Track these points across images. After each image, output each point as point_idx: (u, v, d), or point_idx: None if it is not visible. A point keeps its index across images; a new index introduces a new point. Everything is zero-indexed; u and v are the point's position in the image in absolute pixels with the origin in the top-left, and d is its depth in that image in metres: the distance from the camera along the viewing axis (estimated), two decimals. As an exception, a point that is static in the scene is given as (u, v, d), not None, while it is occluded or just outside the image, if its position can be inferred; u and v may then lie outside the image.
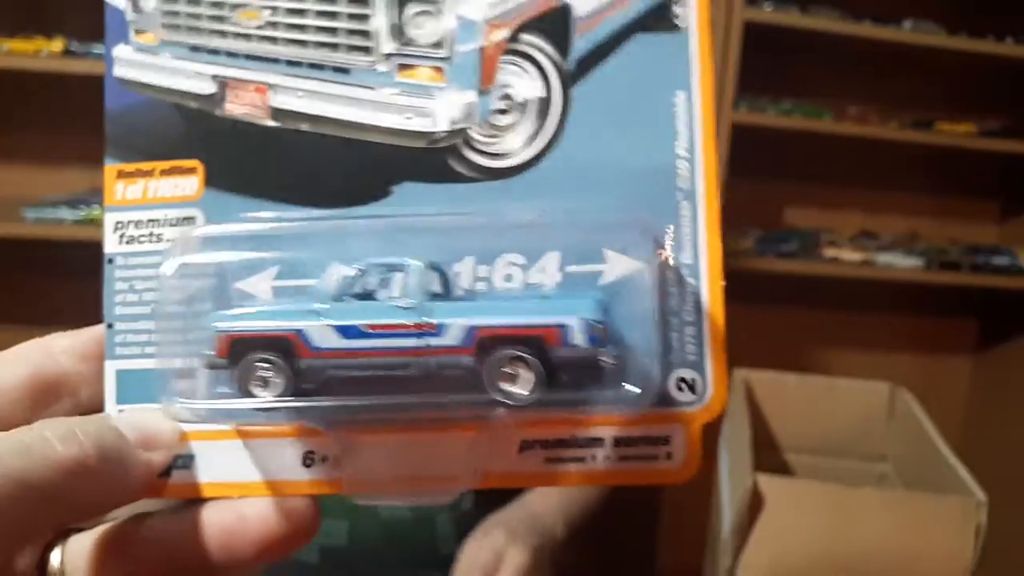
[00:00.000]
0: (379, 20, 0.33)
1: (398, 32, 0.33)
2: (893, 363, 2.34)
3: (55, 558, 0.30)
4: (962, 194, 2.30)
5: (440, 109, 0.33)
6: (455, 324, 0.29)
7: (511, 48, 0.33)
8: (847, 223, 2.25)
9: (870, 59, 2.09)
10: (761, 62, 1.85)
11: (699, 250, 0.31)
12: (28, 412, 0.31)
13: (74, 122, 1.92)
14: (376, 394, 0.30)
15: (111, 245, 0.33)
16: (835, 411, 1.37)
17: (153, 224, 0.33)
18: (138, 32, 0.35)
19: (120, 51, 0.35)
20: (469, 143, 0.32)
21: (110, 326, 0.32)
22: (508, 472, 0.31)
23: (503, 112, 0.33)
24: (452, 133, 0.32)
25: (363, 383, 0.30)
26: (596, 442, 0.31)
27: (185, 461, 0.32)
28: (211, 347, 0.30)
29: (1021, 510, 2.02)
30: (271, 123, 0.34)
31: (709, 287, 0.31)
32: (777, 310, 2.26)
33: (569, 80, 0.33)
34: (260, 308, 0.31)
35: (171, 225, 0.33)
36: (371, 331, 0.29)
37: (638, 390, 0.30)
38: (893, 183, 2.26)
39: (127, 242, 0.33)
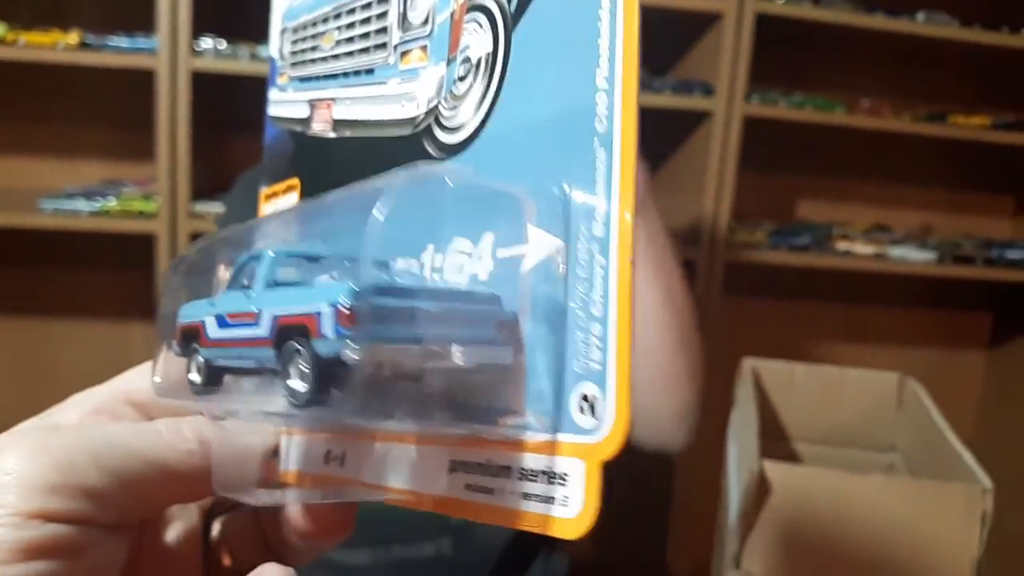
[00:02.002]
0: (392, 12, 0.34)
1: (402, 19, 0.33)
2: (906, 357, 2.34)
3: (215, 530, 0.37)
4: (976, 187, 2.29)
5: (420, 90, 0.31)
6: (266, 313, 0.26)
7: (471, 3, 0.29)
8: (860, 216, 2.24)
9: (883, 51, 2.08)
10: (773, 55, 1.85)
11: (610, 213, 0.24)
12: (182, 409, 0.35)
13: (90, 114, 1.95)
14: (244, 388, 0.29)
15: None
16: (844, 401, 1.36)
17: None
18: (280, 75, 0.40)
19: (271, 93, 0.40)
20: (438, 120, 0.30)
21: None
22: (436, 496, 0.28)
23: (462, 79, 0.29)
24: (428, 113, 0.30)
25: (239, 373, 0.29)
26: (504, 471, 0.25)
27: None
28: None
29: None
30: (332, 134, 0.36)
31: (619, 268, 0.23)
32: (790, 303, 2.26)
33: (511, 24, 0.28)
34: (196, 303, 0.32)
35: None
36: (231, 320, 0.28)
37: (518, 422, 0.24)
38: (906, 176, 2.25)
39: None
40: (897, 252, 2.01)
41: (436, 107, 0.30)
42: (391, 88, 0.33)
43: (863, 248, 2.01)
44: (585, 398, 0.24)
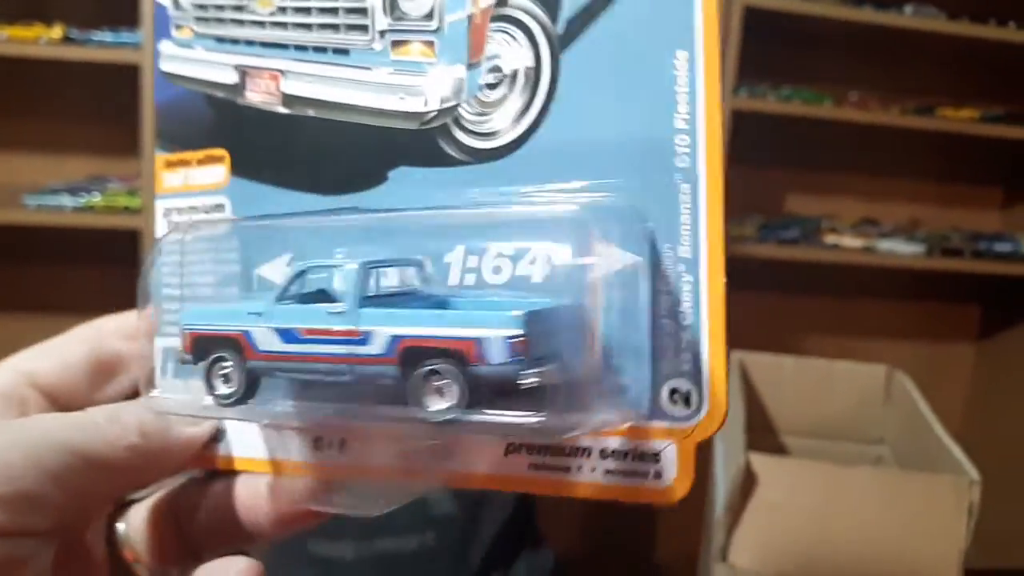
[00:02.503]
0: None
1: (391, 6, 0.32)
2: (895, 350, 2.34)
3: (121, 528, 0.35)
4: (964, 180, 2.29)
5: (431, 87, 0.31)
6: (380, 333, 0.27)
7: (499, 14, 0.30)
8: (848, 210, 2.24)
9: (871, 45, 2.08)
10: (761, 48, 1.85)
11: (699, 241, 0.27)
12: (89, 389, 0.34)
13: (74, 109, 1.93)
14: (321, 397, 0.30)
15: (161, 231, 0.35)
16: (832, 394, 1.36)
17: (193, 211, 0.35)
18: (178, 27, 0.37)
19: (164, 46, 0.36)
20: (459, 122, 0.31)
21: (156, 306, 0.34)
22: (491, 475, 0.30)
23: (492, 86, 0.30)
24: (442, 112, 0.31)
25: (310, 385, 0.30)
26: (582, 452, 0.29)
27: (221, 435, 0.34)
28: (180, 343, 0.32)
29: (1022, 493, 2.02)
30: (283, 110, 0.34)
31: (709, 285, 0.27)
32: (778, 297, 2.25)
33: (558, 45, 0.29)
34: (221, 306, 0.32)
35: (205, 211, 0.34)
36: (306, 336, 0.28)
37: (612, 418, 0.27)
38: (895, 169, 2.25)
39: (173, 228, 0.35)
40: (885, 245, 2.01)
41: (453, 108, 0.30)
42: (380, 76, 0.32)
43: (852, 241, 2.01)
44: (675, 391, 0.27)
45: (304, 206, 0.33)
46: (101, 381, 0.34)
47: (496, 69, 0.30)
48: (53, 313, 2.04)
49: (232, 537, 0.33)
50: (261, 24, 0.35)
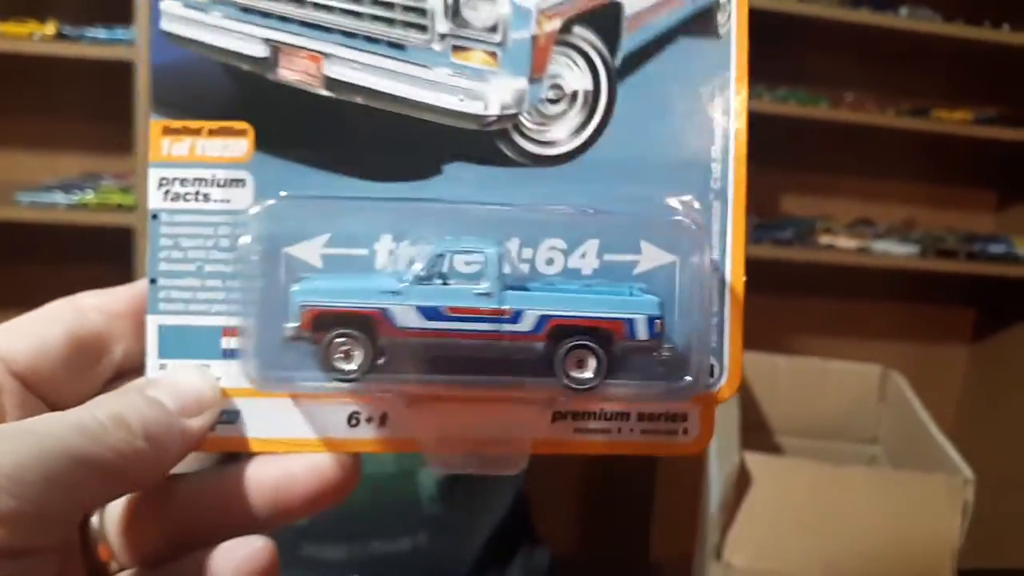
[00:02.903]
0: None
1: (454, 13, 0.34)
2: (889, 351, 2.34)
3: (95, 521, 0.32)
4: (959, 182, 2.29)
5: (492, 93, 0.33)
6: (529, 312, 0.31)
7: (563, 39, 0.34)
8: (843, 210, 2.25)
9: (867, 46, 2.09)
10: (757, 49, 1.83)
11: (726, 247, 0.34)
12: (69, 373, 0.32)
13: (67, 106, 1.92)
14: (447, 370, 0.31)
15: (155, 201, 0.33)
16: (826, 393, 1.36)
17: (200, 183, 0.33)
18: None
19: (168, 5, 0.34)
20: (518, 129, 0.33)
21: (153, 281, 0.33)
22: (543, 439, 0.34)
23: (553, 102, 0.34)
24: (502, 118, 0.33)
25: (436, 359, 0.31)
26: (622, 416, 0.34)
27: (230, 416, 0.33)
28: (295, 320, 0.31)
29: (1015, 494, 2.02)
30: (324, 92, 0.34)
31: (732, 281, 0.34)
32: (773, 297, 2.25)
33: (615, 76, 0.34)
34: (341, 284, 0.31)
35: (219, 186, 0.33)
36: (452, 314, 0.31)
37: (691, 379, 0.32)
38: (889, 171, 2.25)
39: (172, 199, 0.33)
40: (880, 246, 2.01)
41: (514, 116, 0.33)
42: (439, 76, 0.34)
43: (846, 242, 2.01)
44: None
45: (345, 190, 0.33)
46: (81, 365, 0.32)
47: (557, 87, 0.34)
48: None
49: (230, 528, 0.32)
50: (300, 2, 0.35)
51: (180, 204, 0.33)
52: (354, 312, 0.31)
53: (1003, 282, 2.11)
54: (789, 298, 2.28)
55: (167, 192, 0.33)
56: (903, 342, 2.37)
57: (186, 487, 0.32)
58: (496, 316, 0.31)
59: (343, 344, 0.31)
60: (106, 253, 1.82)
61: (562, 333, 0.31)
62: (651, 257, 0.33)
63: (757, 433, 1.33)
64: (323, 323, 0.31)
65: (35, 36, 1.63)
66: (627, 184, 0.33)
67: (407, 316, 0.31)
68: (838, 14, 1.86)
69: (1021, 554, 2.16)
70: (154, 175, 0.33)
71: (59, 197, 1.69)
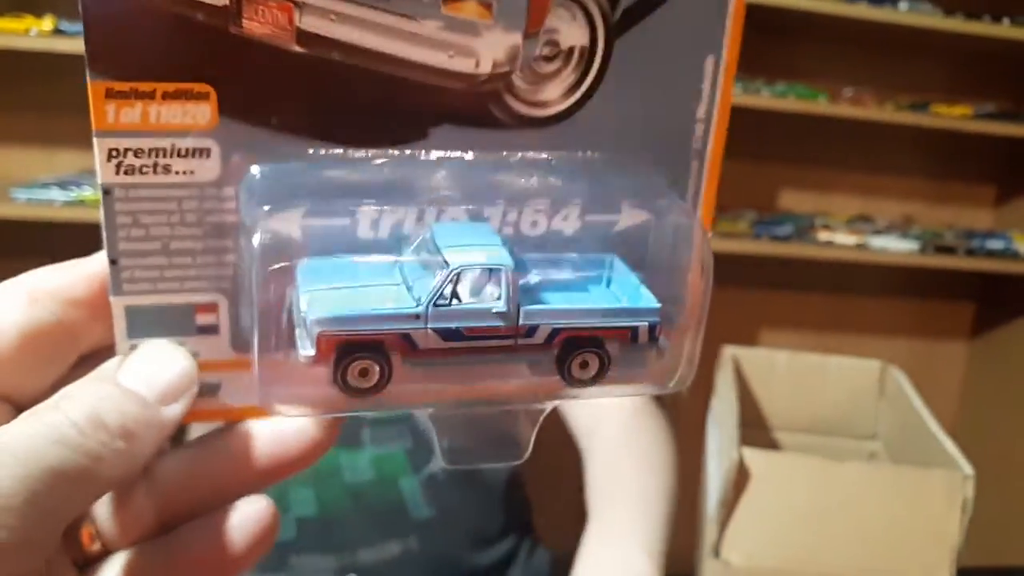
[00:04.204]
0: None
1: None
2: (889, 347, 2.34)
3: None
4: (958, 178, 2.29)
5: (484, 50, 0.30)
6: (543, 327, 0.31)
7: None
8: (842, 206, 2.24)
9: (865, 41, 2.08)
10: (755, 44, 1.83)
11: (698, 202, 0.34)
12: (27, 369, 0.29)
13: (64, 102, 1.91)
14: (460, 374, 0.31)
15: (107, 175, 0.29)
16: (825, 389, 1.36)
17: (158, 154, 0.29)
18: None
19: None
20: (510, 89, 0.31)
21: (114, 262, 0.29)
22: (524, 388, 0.34)
23: (547, 59, 0.31)
24: (494, 77, 0.30)
25: (447, 366, 0.31)
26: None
27: (211, 389, 0.31)
28: (311, 347, 0.29)
29: (1016, 491, 2.02)
30: (297, 48, 0.29)
31: (701, 235, 0.33)
32: (772, 294, 2.25)
33: (613, 31, 0.31)
34: (358, 308, 0.29)
35: (180, 156, 0.29)
36: (471, 334, 0.30)
37: (680, 374, 0.34)
38: (888, 166, 2.25)
39: (126, 172, 0.29)
40: (879, 242, 2.01)
41: (506, 75, 0.31)
42: (427, 29, 0.30)
43: (845, 238, 2.01)
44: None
45: (324, 157, 0.30)
46: (40, 359, 0.29)
47: (553, 43, 0.31)
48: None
49: (223, 497, 0.31)
50: None
51: (136, 178, 0.29)
52: (375, 340, 0.29)
53: (1002, 278, 2.11)
54: (788, 294, 2.28)
55: (119, 165, 0.29)
56: (903, 338, 2.37)
57: (175, 463, 0.31)
58: (512, 334, 0.31)
59: (360, 365, 0.30)
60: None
61: (572, 344, 0.32)
62: (630, 217, 0.33)
63: (756, 429, 1.33)
64: (342, 351, 0.29)
65: (32, 32, 1.63)
66: (612, 147, 0.33)
67: (427, 339, 0.30)
68: (836, 8, 1.86)
69: (1021, 551, 2.16)
70: (101, 145, 0.28)
71: (56, 194, 1.69)
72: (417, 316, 0.30)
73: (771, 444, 1.34)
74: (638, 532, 0.85)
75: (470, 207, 0.31)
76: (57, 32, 1.64)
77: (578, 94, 0.32)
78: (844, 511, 0.96)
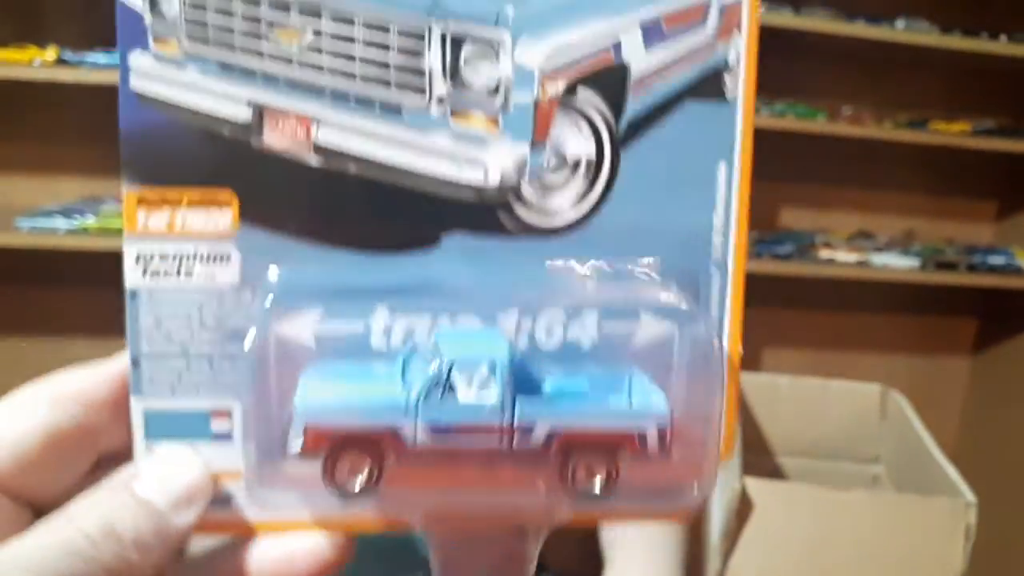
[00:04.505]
0: (434, 58, 0.31)
1: (453, 74, 0.31)
2: (891, 364, 2.34)
3: None
4: (958, 193, 2.29)
5: (492, 161, 0.31)
6: (540, 427, 0.30)
7: (566, 103, 0.32)
8: (843, 224, 2.25)
9: (863, 59, 2.09)
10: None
11: (724, 317, 0.32)
12: (48, 470, 0.30)
13: (68, 131, 1.93)
14: (453, 478, 0.30)
15: (133, 279, 0.30)
16: (827, 414, 1.36)
17: (182, 259, 0.30)
18: (158, 40, 0.31)
19: (138, 60, 0.31)
20: (519, 198, 0.31)
21: (135, 363, 0.30)
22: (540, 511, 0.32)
23: (554, 169, 0.32)
24: (502, 187, 0.31)
25: (441, 469, 0.30)
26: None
27: (223, 500, 0.31)
28: (299, 438, 0.29)
29: (1019, 511, 2.02)
30: (314, 161, 0.31)
31: (731, 352, 0.32)
32: (773, 312, 2.25)
33: (619, 142, 0.32)
34: (346, 394, 0.29)
35: (202, 261, 0.30)
36: (462, 432, 0.29)
37: (697, 490, 0.31)
38: (888, 183, 2.25)
39: (152, 276, 0.30)
40: (880, 259, 2.01)
41: (515, 185, 0.31)
42: (438, 142, 0.31)
43: (846, 256, 2.01)
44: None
45: (338, 263, 0.31)
46: (61, 461, 0.30)
47: (559, 154, 0.32)
48: (48, 337, 2.04)
49: None
50: (286, 60, 0.32)
51: (160, 282, 0.30)
52: (363, 435, 0.29)
53: (1004, 293, 2.11)
54: (789, 312, 2.28)
55: (145, 269, 0.30)
56: (904, 355, 2.37)
57: (193, 570, 0.31)
58: (507, 433, 0.29)
59: (350, 460, 0.29)
60: (107, 278, 1.82)
61: (572, 447, 0.30)
62: (651, 328, 0.31)
63: (758, 454, 1.33)
64: (332, 445, 0.29)
65: (35, 62, 1.64)
66: (627, 256, 0.32)
67: (417, 434, 0.29)
68: (834, 27, 1.86)
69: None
70: (130, 251, 0.30)
71: (59, 222, 1.70)
72: (408, 409, 0.29)
73: (773, 469, 1.34)
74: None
75: (483, 314, 0.31)
76: (60, 62, 1.66)
77: (588, 204, 0.32)
78: (848, 540, 0.96)
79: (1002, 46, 1.91)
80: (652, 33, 0.32)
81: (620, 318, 0.31)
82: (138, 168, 0.30)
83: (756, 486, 0.97)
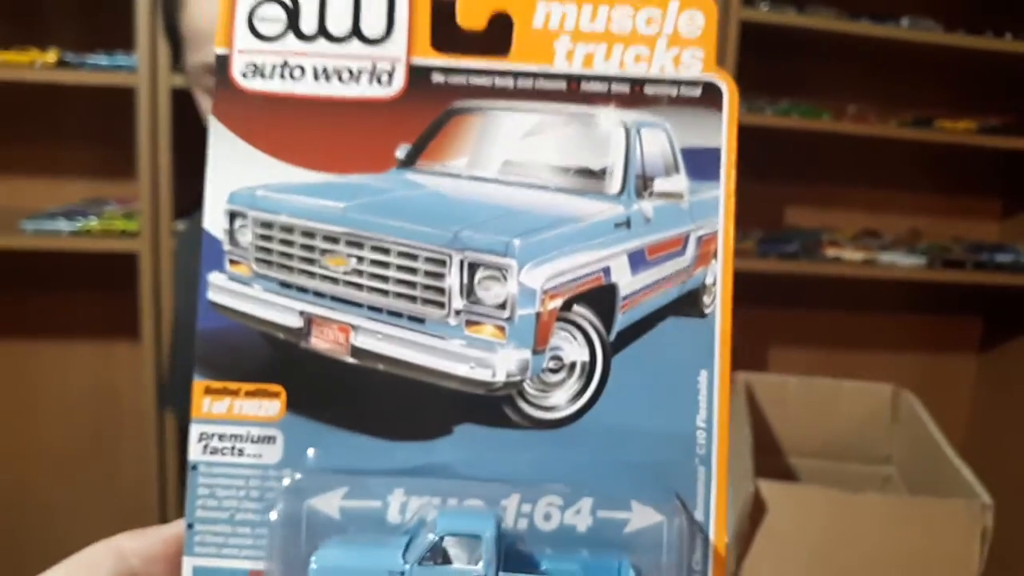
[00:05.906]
0: (453, 280, 0.38)
1: (468, 292, 0.38)
2: (897, 363, 2.33)
3: None
4: (964, 191, 2.29)
5: (499, 363, 0.37)
6: None
7: (563, 316, 0.38)
8: (849, 222, 2.24)
9: (868, 57, 2.08)
10: (758, 62, 1.84)
11: (710, 509, 0.36)
12: None
13: (70, 133, 1.92)
14: None
15: (195, 453, 0.36)
16: (838, 414, 1.35)
17: (236, 439, 0.36)
18: (233, 263, 0.39)
19: (215, 278, 0.39)
20: (522, 395, 0.36)
21: (191, 526, 0.35)
22: None
23: (553, 371, 0.37)
24: (507, 384, 0.36)
25: None
26: None
27: None
28: None
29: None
30: (351, 360, 0.37)
31: (715, 542, 0.35)
32: (780, 311, 2.25)
33: (610, 350, 0.37)
34: (352, 565, 0.33)
35: (252, 442, 0.36)
36: None
37: None
38: (894, 182, 2.25)
39: (211, 452, 0.36)
40: (886, 258, 2.01)
41: (518, 383, 0.36)
42: (453, 347, 0.38)
43: (852, 254, 2.01)
44: None
45: (365, 447, 0.36)
46: None
47: (557, 358, 0.37)
48: (52, 338, 2.04)
49: None
50: (334, 280, 0.40)
51: (217, 457, 0.36)
52: None
53: (1010, 291, 2.10)
54: (795, 311, 2.27)
55: (206, 446, 0.36)
56: (911, 354, 2.36)
57: None
58: None
59: None
60: (110, 279, 1.82)
61: None
62: (642, 516, 0.35)
63: (769, 455, 1.32)
64: None
65: (37, 64, 1.63)
66: (620, 449, 0.36)
67: None
68: (839, 26, 1.86)
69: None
70: (195, 430, 0.36)
71: (63, 224, 1.69)
72: (401, 574, 0.33)
73: (785, 470, 1.34)
74: None
75: (487, 498, 0.35)
76: (61, 64, 1.65)
77: (583, 401, 0.36)
78: (862, 543, 0.96)
79: (1007, 44, 1.91)
80: (637, 260, 0.39)
81: (612, 508, 0.35)
82: (208, 364, 0.37)
83: (770, 488, 0.96)
